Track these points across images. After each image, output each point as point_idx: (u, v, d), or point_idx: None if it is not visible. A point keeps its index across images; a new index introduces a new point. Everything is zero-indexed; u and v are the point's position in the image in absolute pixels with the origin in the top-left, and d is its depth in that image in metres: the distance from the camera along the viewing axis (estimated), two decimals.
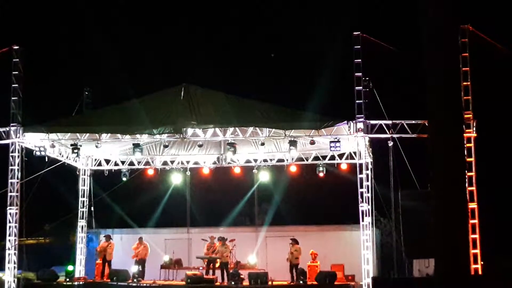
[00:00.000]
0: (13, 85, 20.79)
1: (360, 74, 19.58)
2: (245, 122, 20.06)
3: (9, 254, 20.35)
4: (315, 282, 20.28)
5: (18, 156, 20.63)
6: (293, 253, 21.46)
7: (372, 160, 21.16)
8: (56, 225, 27.74)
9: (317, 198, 28.19)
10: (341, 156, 22.99)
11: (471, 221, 18.21)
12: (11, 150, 20.61)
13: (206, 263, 21.95)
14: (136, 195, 28.16)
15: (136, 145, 21.06)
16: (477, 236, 18.66)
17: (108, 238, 22.78)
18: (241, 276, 20.62)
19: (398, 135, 19.62)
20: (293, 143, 20.30)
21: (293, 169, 23.54)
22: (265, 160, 24.18)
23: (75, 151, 20.84)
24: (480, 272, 18.67)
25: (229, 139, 20.81)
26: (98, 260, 22.68)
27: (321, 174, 23.34)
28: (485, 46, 19.45)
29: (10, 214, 20.51)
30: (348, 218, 23.67)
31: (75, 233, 24.83)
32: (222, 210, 27.66)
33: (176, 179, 24.86)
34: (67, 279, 21.43)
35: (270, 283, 20.29)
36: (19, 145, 20.66)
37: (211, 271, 21.76)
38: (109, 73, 29.62)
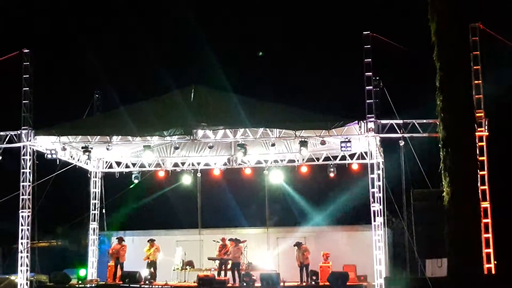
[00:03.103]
0: (23, 89, 20.87)
1: (371, 73, 19.50)
2: (255, 123, 20.00)
3: (21, 257, 20.40)
4: (327, 283, 20.22)
5: (30, 159, 20.70)
6: (302, 254, 21.44)
7: (383, 160, 21.08)
8: (68, 228, 27.83)
9: (328, 199, 28.11)
10: (352, 156, 22.94)
11: (484, 220, 18.09)
12: (22, 153, 20.69)
13: (218, 264, 21.96)
14: (147, 197, 28.20)
15: (147, 147, 21.14)
16: (490, 235, 18.55)
17: (120, 240, 22.83)
18: (253, 277, 20.60)
19: (409, 135, 19.52)
20: (303, 143, 20.24)
21: (304, 169, 23.50)
22: (275, 161, 24.15)
23: (86, 153, 20.91)
24: (493, 272, 18.55)
25: (239, 140, 20.79)
26: (110, 262, 22.73)
27: (331, 175, 23.30)
28: (495, 44, 19.35)
29: (22, 217, 20.57)
30: (360, 218, 23.61)
31: (87, 235, 24.90)
32: (233, 211, 27.65)
33: (186, 181, 24.87)
34: (79, 282, 21.49)
35: (282, 284, 20.26)
36: (30, 148, 20.73)
37: (223, 273, 21.76)
38: (119, 75, 29.70)
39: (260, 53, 33.16)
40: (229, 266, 21.77)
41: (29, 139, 20.64)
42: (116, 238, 23.19)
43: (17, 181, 20.65)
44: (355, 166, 22.98)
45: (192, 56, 34.27)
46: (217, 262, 22.06)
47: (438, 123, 16.75)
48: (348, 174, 23.29)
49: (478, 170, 16.99)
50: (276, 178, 24.33)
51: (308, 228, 24.94)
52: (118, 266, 22.20)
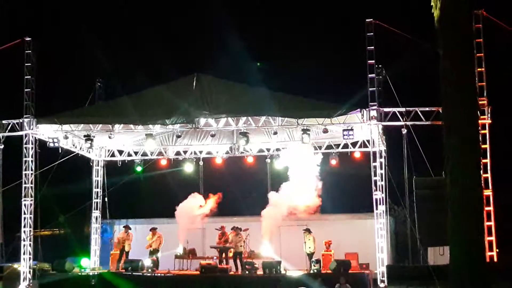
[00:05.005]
0: (26, 77, 20.87)
1: (373, 61, 19.46)
2: (258, 111, 19.99)
3: (24, 245, 20.50)
4: (329, 271, 20.25)
5: (32, 148, 20.74)
6: (306, 242, 21.48)
7: (385, 148, 21.05)
8: (70, 216, 27.87)
9: (330, 187, 28.08)
10: (354, 144, 22.92)
11: (486, 208, 18.08)
12: (24, 141, 20.72)
13: (218, 252, 22.00)
14: (149, 185, 28.20)
15: (149, 136, 21.14)
16: (492, 223, 18.55)
17: (126, 228, 22.87)
18: (255, 265, 20.64)
19: (412, 123, 19.50)
20: (306, 131, 20.23)
21: None
22: (278, 149, 24.14)
23: (88, 142, 20.93)
24: (495, 260, 18.56)
25: (241, 128, 20.78)
26: (113, 250, 22.78)
27: (334, 163, 23.26)
28: (499, 31, 19.26)
29: (25, 205, 20.64)
30: (362, 206, 23.59)
31: (89, 224, 24.96)
32: (235, 200, 27.62)
33: (189, 169, 24.88)
34: (82, 270, 21.55)
35: (284, 272, 20.28)
36: (32, 136, 20.76)
37: (224, 261, 21.80)
38: (121, 63, 29.66)
39: (259, 64, 33.26)
40: (230, 254, 21.81)
41: (31, 128, 20.67)
42: (123, 227, 23.24)
43: (20, 169, 20.70)
44: (357, 154, 22.96)
45: (194, 45, 34.19)
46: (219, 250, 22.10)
47: (440, 111, 16.69)
48: (350, 162, 23.26)
49: (481, 158, 16.95)
50: (279, 166, 24.30)
51: (310, 216, 24.92)
52: (123, 254, 22.26)
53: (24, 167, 20.69)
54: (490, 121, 18.94)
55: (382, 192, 19.64)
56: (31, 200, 20.66)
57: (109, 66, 29.48)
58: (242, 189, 28.88)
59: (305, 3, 33.59)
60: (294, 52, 32.90)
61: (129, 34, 33.52)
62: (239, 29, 31.63)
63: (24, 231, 20.56)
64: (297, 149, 21.90)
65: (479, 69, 18.67)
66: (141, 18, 33.49)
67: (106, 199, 24.69)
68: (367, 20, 19.39)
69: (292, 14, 33.87)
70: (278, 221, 22.17)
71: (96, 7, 33.59)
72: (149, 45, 32.69)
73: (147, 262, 21.45)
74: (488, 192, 18.53)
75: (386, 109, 19.62)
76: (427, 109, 19.39)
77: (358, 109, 19.58)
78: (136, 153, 24.70)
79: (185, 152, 24.81)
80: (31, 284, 20.49)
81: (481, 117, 18.39)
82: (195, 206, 23.24)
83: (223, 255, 21.87)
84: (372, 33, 19.34)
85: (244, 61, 30.29)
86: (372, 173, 19.64)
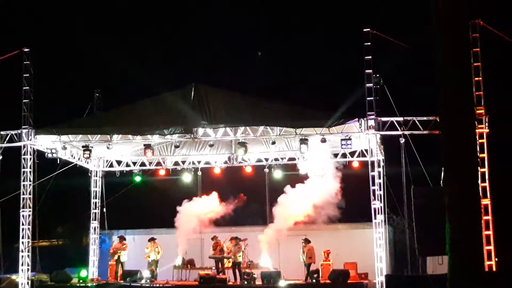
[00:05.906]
0: (24, 88, 20.89)
1: (371, 71, 19.47)
2: (256, 121, 20.02)
3: (22, 256, 20.45)
4: (328, 281, 20.21)
5: (30, 159, 20.75)
6: (306, 252, 21.43)
7: (383, 158, 21.06)
8: (69, 227, 27.86)
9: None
10: (352, 154, 22.91)
11: (485, 218, 18.08)
12: (23, 152, 20.73)
13: (215, 262, 21.97)
14: (147, 195, 28.15)
15: (147, 146, 21.14)
16: (490, 232, 18.52)
17: (121, 239, 22.85)
18: (254, 275, 20.60)
19: (409, 132, 19.52)
20: (304, 141, 20.24)
21: None
22: (276, 159, 24.16)
23: (87, 152, 20.93)
24: (494, 269, 18.53)
25: (240, 138, 20.79)
26: (111, 261, 22.74)
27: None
28: (496, 40, 19.32)
29: (23, 216, 20.62)
30: (361, 216, 23.55)
31: (88, 234, 24.91)
32: (234, 210, 27.61)
33: (187, 179, 24.88)
34: (81, 281, 21.50)
35: (283, 282, 20.22)
36: (31, 147, 20.77)
37: (221, 271, 21.75)
38: (119, 74, 29.69)
39: (259, 53, 33.18)
40: (229, 264, 21.77)
41: (29, 138, 20.68)
42: (118, 237, 23.21)
43: (18, 180, 20.67)
44: (355, 164, 22.96)
45: (192, 54, 34.25)
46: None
47: (438, 120, 16.70)
48: (348, 171, 23.25)
49: (479, 167, 16.95)
50: (277, 176, 24.32)
51: (309, 226, 24.89)
52: (120, 265, 22.22)
53: (22, 178, 20.68)
54: (487, 130, 18.94)
55: (381, 202, 19.63)
56: (29, 211, 20.63)
57: (107, 76, 29.55)
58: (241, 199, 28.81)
59: (305, 7, 33.68)
60: (291, 60, 32.98)
61: (127, 43, 33.57)
62: (239, 32, 31.81)
63: (22, 242, 20.52)
64: (317, 155, 21.84)
65: (476, 78, 18.68)
66: (139, 26, 33.57)
67: (104, 210, 24.64)
68: (364, 29, 19.41)
69: (288, 19, 33.94)
70: (290, 220, 22.06)
71: (94, 14, 33.66)
72: (148, 55, 32.78)
73: (146, 273, 21.42)
74: (486, 201, 18.52)
75: (384, 119, 19.63)
76: (424, 118, 19.41)
77: (356, 119, 19.61)
78: (134, 163, 24.69)
79: (183, 162, 24.80)
80: None
81: (479, 126, 18.42)
82: (208, 207, 23.25)
83: (219, 265, 21.85)
84: (369, 43, 19.36)
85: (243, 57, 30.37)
86: (371, 183, 19.64)
